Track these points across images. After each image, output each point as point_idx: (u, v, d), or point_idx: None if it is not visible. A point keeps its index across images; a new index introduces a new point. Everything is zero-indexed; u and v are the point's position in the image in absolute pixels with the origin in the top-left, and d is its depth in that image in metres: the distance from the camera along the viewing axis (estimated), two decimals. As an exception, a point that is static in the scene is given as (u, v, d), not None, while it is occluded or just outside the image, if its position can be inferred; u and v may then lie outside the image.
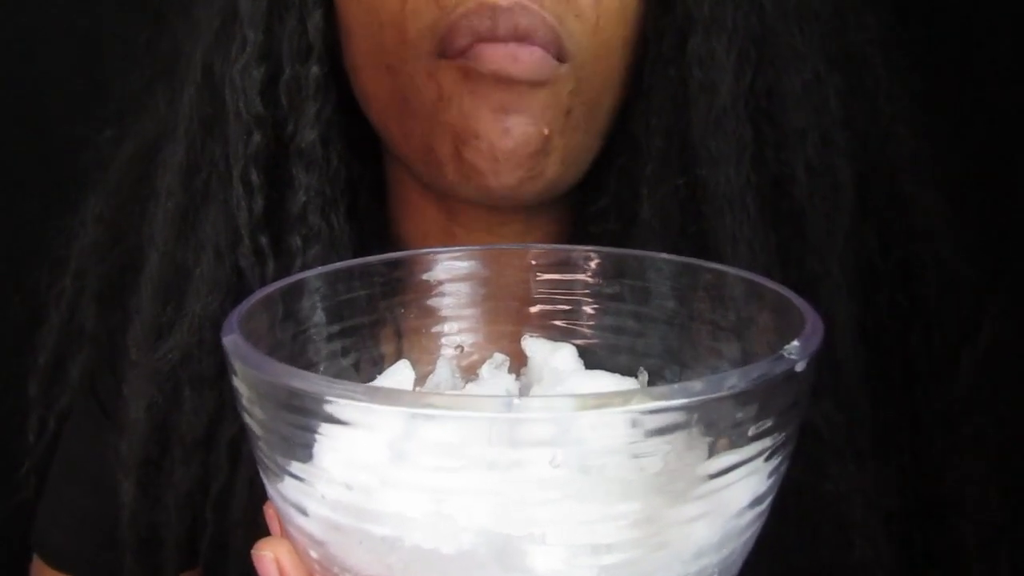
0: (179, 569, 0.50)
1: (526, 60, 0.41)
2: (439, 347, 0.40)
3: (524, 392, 0.38)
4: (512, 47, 0.41)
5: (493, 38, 0.40)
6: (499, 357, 0.39)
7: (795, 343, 0.28)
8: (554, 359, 0.38)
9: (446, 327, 0.40)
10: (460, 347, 0.40)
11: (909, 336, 0.49)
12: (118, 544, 0.50)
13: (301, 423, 0.28)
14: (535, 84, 0.42)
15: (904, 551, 0.48)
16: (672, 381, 0.37)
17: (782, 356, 0.27)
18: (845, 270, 0.46)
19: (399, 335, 0.39)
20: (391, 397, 0.27)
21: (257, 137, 0.46)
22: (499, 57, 0.41)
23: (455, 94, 0.42)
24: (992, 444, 0.49)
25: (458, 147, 0.42)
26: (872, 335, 0.48)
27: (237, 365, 0.29)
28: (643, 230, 0.45)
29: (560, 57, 0.42)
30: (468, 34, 0.41)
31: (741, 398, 0.26)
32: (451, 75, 0.42)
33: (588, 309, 0.40)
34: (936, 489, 0.49)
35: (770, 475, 0.29)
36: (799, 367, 0.27)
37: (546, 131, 0.42)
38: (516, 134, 0.42)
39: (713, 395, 0.26)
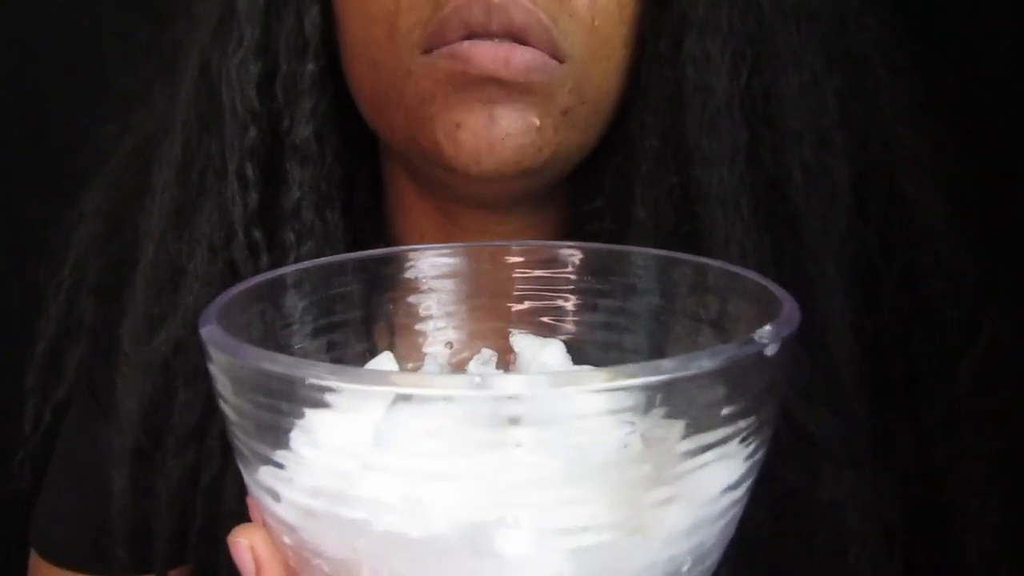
0: (170, 563, 0.50)
1: (518, 63, 0.40)
2: (426, 344, 0.40)
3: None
4: (504, 48, 0.40)
5: (486, 33, 0.40)
6: (487, 353, 0.39)
7: (767, 327, 0.28)
8: (542, 355, 0.38)
9: (433, 324, 0.40)
10: (449, 343, 0.40)
11: (909, 338, 0.48)
12: (113, 537, 0.50)
13: (277, 407, 0.28)
14: (527, 88, 0.41)
15: (904, 558, 0.47)
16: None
17: (752, 339, 0.27)
18: (842, 272, 0.45)
19: (386, 331, 0.39)
20: (363, 377, 0.27)
21: (253, 132, 0.46)
22: (489, 60, 0.40)
23: (439, 92, 0.42)
24: (993, 448, 0.48)
25: (439, 139, 0.42)
26: (872, 337, 0.47)
27: (213, 351, 0.29)
28: (637, 230, 0.45)
29: (557, 57, 0.42)
30: (460, 27, 0.40)
31: (710, 378, 0.26)
32: (436, 75, 0.41)
33: (574, 305, 0.40)
34: (937, 494, 0.48)
35: (745, 460, 0.28)
36: (769, 351, 0.27)
37: (537, 123, 0.42)
38: (504, 124, 0.41)
39: (682, 373, 0.26)
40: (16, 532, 0.56)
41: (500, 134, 0.41)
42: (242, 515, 0.34)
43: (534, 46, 0.41)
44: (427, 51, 0.42)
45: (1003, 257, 0.52)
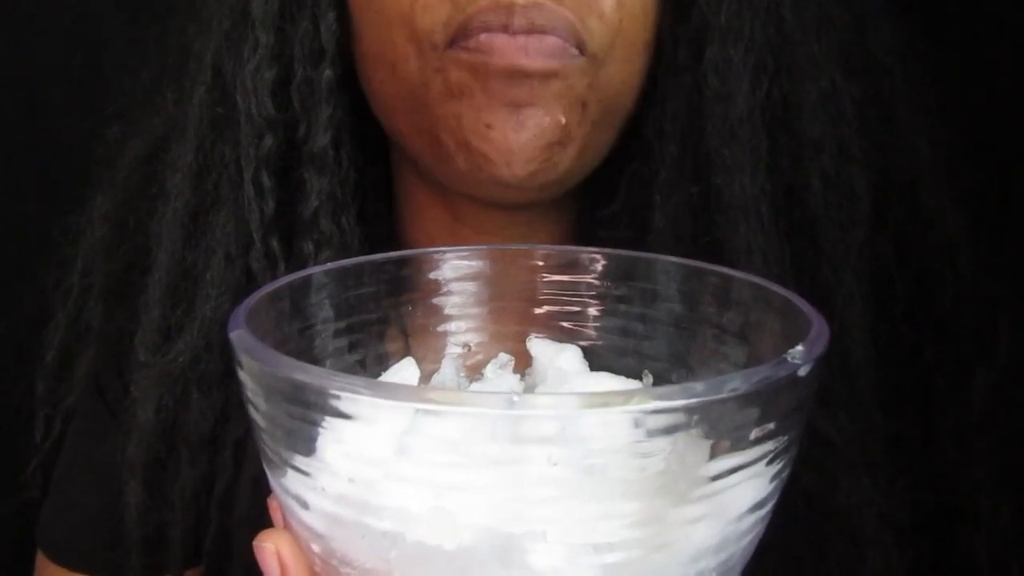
0: (183, 567, 0.50)
1: (537, 49, 0.40)
2: (445, 346, 0.40)
3: (528, 393, 0.38)
4: (522, 39, 0.40)
5: (505, 32, 0.40)
6: (504, 357, 0.39)
7: (799, 347, 0.28)
8: (559, 360, 0.38)
9: (452, 326, 0.40)
10: (467, 346, 0.40)
11: (924, 348, 0.48)
12: (123, 541, 0.50)
13: (305, 416, 0.28)
14: (548, 75, 0.41)
15: (915, 564, 0.48)
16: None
17: (785, 360, 0.27)
18: (860, 281, 0.46)
19: (406, 333, 0.39)
20: (394, 392, 0.27)
21: (268, 140, 0.46)
22: (510, 51, 0.40)
23: (466, 89, 0.42)
24: (1006, 456, 0.48)
25: (468, 138, 0.42)
26: (887, 347, 0.47)
27: (242, 358, 0.29)
28: (656, 238, 0.45)
29: (580, 48, 0.41)
30: (481, 30, 0.40)
31: (743, 401, 0.26)
32: (461, 70, 0.41)
33: (594, 311, 0.40)
34: (949, 501, 0.48)
35: (772, 479, 0.29)
36: (802, 371, 0.27)
37: (563, 120, 0.42)
38: (531, 126, 0.42)
39: (714, 397, 0.26)
40: (30, 539, 0.56)
41: (528, 135, 0.42)
42: (256, 521, 0.34)
43: (555, 36, 0.41)
44: (450, 46, 0.42)
45: (1018, 266, 0.53)
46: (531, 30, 0.40)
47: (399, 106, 0.45)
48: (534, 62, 0.41)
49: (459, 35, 0.41)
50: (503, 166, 0.42)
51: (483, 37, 0.41)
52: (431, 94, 0.43)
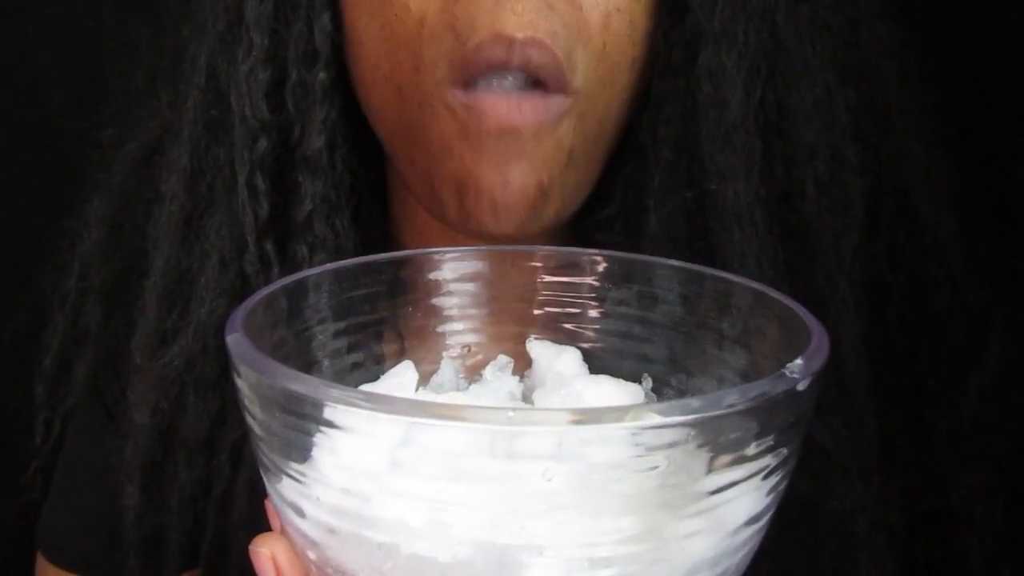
0: (181, 569, 0.50)
1: (528, 108, 0.41)
2: (444, 347, 0.40)
3: (527, 395, 0.38)
4: (515, 97, 0.41)
5: (506, 70, 0.40)
6: (503, 359, 0.39)
7: (798, 361, 0.28)
8: (558, 363, 0.38)
9: (452, 327, 0.40)
10: (466, 347, 0.40)
11: (918, 352, 0.48)
12: (122, 543, 0.50)
13: (300, 426, 0.28)
14: (540, 130, 0.41)
15: (909, 568, 0.48)
16: (678, 389, 0.37)
17: (783, 375, 0.27)
18: (853, 286, 0.45)
19: (404, 334, 0.39)
20: (390, 405, 0.27)
21: (263, 142, 0.45)
22: (503, 110, 0.41)
23: (455, 146, 0.42)
24: (999, 460, 0.48)
25: (460, 195, 0.43)
26: (880, 352, 0.47)
27: (239, 365, 0.29)
28: (651, 243, 0.44)
29: (566, 90, 0.42)
30: (482, 65, 0.40)
31: (741, 416, 0.26)
32: (456, 123, 0.42)
33: (594, 313, 0.39)
34: (941, 505, 0.48)
35: (769, 492, 0.28)
36: (801, 386, 0.27)
37: (545, 180, 0.42)
38: (516, 185, 0.42)
39: (712, 413, 0.26)
40: (30, 540, 0.56)
41: (514, 193, 0.42)
42: (253, 523, 0.34)
43: (546, 83, 0.41)
44: (453, 84, 0.41)
45: (1011, 271, 0.53)
46: (528, 67, 0.40)
47: (399, 131, 0.45)
48: (527, 119, 0.41)
49: (460, 74, 0.41)
50: (491, 220, 0.43)
51: (480, 93, 0.41)
52: (430, 136, 0.43)
